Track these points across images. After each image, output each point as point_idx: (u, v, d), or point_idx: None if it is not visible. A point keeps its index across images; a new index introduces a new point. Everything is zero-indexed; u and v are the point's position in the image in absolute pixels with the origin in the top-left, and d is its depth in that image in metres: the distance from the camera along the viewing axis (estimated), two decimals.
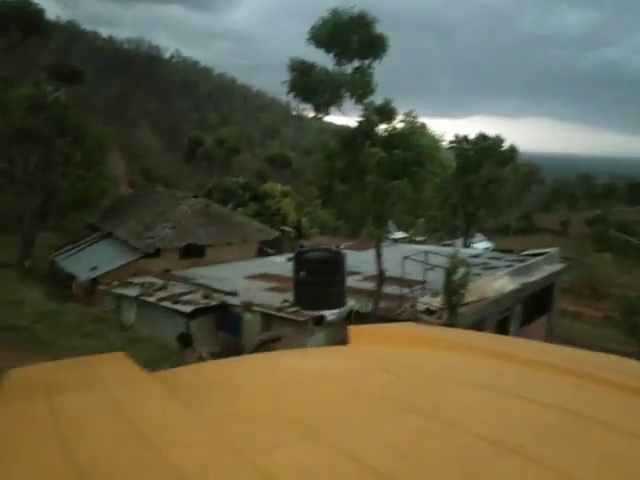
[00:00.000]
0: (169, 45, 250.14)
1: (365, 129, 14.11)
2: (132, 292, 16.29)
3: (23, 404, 1.32)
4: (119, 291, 16.71)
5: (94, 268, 18.89)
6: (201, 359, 9.71)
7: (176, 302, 15.00)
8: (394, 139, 13.68)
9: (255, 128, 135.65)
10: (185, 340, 9.42)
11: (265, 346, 11.01)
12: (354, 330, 2.39)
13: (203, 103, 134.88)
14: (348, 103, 13.93)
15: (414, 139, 13.41)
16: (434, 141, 13.99)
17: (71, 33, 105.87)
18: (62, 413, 1.20)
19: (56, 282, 21.28)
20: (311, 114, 14.23)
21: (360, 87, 13.34)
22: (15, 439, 1.09)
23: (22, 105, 22.32)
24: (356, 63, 13.54)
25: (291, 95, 13.79)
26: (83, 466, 0.93)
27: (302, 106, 14.36)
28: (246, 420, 1.25)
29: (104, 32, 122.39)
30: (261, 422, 1.23)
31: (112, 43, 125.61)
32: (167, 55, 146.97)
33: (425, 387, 1.56)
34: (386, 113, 13.99)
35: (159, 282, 17.12)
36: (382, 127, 14.05)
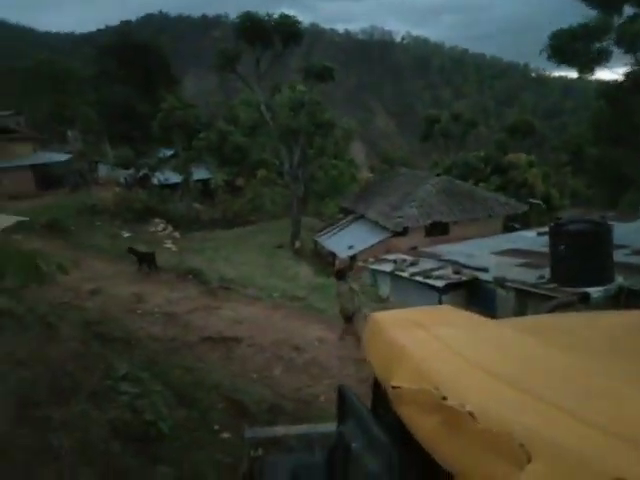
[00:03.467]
0: (400, 29, 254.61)
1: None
2: (386, 268, 17.66)
3: (410, 332, 1.65)
4: (375, 267, 18.31)
5: (351, 246, 21.05)
6: (352, 290, 10.63)
7: (428, 277, 15.72)
8: None
9: (490, 97, 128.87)
10: (340, 275, 10.89)
11: (558, 311, 10.88)
12: None
13: (435, 80, 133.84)
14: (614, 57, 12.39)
15: None
16: None
17: (313, 34, 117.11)
18: (444, 338, 1.53)
19: (319, 259, 24.37)
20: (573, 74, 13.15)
21: (633, 36, 11.67)
22: (428, 350, 1.47)
23: (285, 107, 25.96)
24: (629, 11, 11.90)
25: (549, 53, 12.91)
26: (490, 369, 1.23)
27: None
28: (591, 358, 1.36)
29: (341, 28, 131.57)
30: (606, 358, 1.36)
31: (348, 36, 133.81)
32: (398, 38, 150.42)
33: None
34: None
35: (410, 258, 18.13)
36: None
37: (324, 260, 23.80)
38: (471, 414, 1.05)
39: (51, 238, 20.76)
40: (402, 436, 1.39)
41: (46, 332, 8.81)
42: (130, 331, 11.25)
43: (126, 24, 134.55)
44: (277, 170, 31.89)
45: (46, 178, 36.08)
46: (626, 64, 12.27)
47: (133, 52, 38.31)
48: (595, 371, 1.21)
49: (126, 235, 24.84)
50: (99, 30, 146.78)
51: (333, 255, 22.56)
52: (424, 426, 1.24)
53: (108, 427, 6.00)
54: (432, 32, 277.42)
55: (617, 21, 11.94)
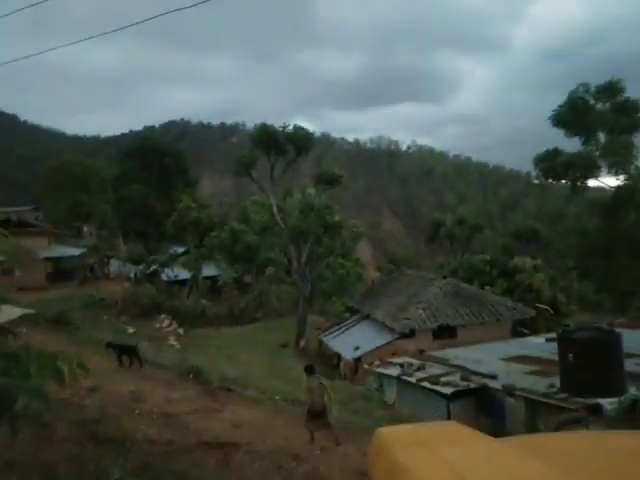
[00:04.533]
0: (405, 138, 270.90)
1: (629, 195, 12.95)
2: (392, 372, 17.22)
3: (414, 451, 1.69)
4: (381, 370, 17.87)
5: (357, 348, 20.73)
6: (322, 385, 10.84)
7: (435, 383, 15.29)
8: None
9: (494, 203, 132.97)
10: (310, 369, 11.14)
11: (566, 427, 10.44)
12: None
13: (440, 186, 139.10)
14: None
15: None
16: None
17: (324, 142, 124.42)
18: (449, 460, 1.57)
19: (324, 360, 23.88)
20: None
21: (618, 156, 12.52)
22: (431, 473, 1.51)
23: (296, 209, 27.01)
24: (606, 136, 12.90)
25: (538, 175, 13.79)
26: None
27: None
28: None
29: (350, 137, 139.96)
30: None
31: (357, 145, 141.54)
32: (404, 147, 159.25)
33: None
34: None
35: (417, 362, 17.75)
36: None
37: (329, 360, 23.32)
38: None
39: (56, 331, 20.70)
40: None
41: (41, 431, 8.57)
42: (126, 432, 10.91)
43: (149, 129, 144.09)
44: (285, 268, 32.33)
45: (58, 271, 36.74)
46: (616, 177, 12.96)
47: (153, 155, 40.67)
48: None
49: (131, 331, 24.74)
50: (123, 134, 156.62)
51: (338, 356, 22.16)
52: None
53: None
54: (436, 142, 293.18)
55: (599, 141, 12.82)
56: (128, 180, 40.61)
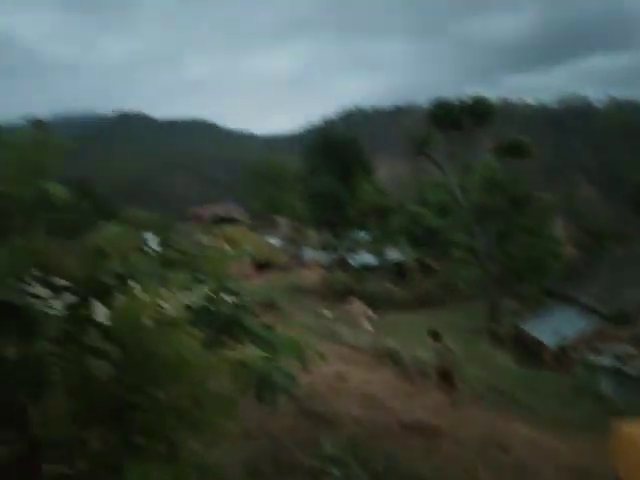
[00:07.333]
0: (598, 94, 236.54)
1: None
2: (606, 361, 15.55)
3: None
4: (592, 360, 16.26)
5: (559, 334, 19.12)
6: (448, 348, 11.20)
7: None
8: None
9: None
10: (435, 336, 11.61)
11: None
12: None
13: None
14: None
15: None
16: None
17: (502, 109, 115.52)
18: None
19: (521, 347, 22.50)
20: None
21: None
22: None
23: (480, 186, 25.74)
24: None
25: None
26: None
27: None
28: None
29: (532, 100, 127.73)
30: None
31: (541, 108, 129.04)
32: (599, 105, 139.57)
33: None
34: None
35: (633, 351, 15.75)
36: None
37: (527, 348, 21.92)
38: None
39: (266, 313, 23.15)
40: None
41: (264, 406, 9.74)
42: (332, 410, 11.73)
43: (329, 122, 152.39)
44: (470, 249, 31.19)
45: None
46: None
47: (334, 148, 42.59)
48: None
49: (329, 315, 26.47)
50: (307, 130, 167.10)
51: (539, 343, 20.72)
52: None
53: None
54: (637, 93, 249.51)
55: None
56: (314, 173, 43.22)
